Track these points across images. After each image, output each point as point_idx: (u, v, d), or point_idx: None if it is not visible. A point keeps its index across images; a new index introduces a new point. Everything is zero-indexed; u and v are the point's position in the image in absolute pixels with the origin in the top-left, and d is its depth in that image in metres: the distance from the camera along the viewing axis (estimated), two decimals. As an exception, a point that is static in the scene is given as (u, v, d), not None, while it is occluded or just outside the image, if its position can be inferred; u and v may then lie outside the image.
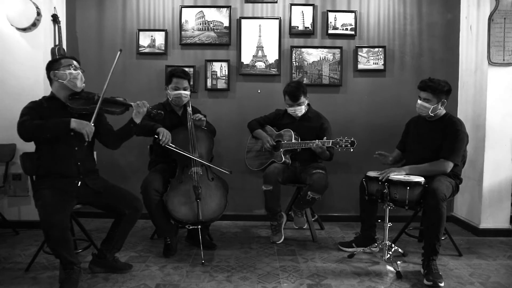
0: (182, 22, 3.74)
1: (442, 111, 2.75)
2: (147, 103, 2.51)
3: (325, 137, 2.98)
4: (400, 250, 2.74)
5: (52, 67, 2.39)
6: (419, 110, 2.75)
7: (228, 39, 3.75)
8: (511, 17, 3.24)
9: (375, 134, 3.76)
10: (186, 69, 3.34)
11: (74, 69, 2.39)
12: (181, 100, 2.94)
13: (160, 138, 2.69)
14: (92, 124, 2.30)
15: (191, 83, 3.20)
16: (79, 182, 2.38)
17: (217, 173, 2.95)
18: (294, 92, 3.11)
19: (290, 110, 3.19)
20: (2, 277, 2.43)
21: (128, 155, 3.75)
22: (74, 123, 2.25)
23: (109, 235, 2.49)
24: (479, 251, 3.00)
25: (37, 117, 2.27)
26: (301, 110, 3.17)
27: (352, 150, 2.88)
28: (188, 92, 2.97)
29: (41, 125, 2.21)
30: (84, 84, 2.45)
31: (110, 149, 2.62)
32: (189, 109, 2.94)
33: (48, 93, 2.46)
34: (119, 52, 2.51)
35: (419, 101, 2.73)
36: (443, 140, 2.69)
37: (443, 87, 2.66)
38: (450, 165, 2.64)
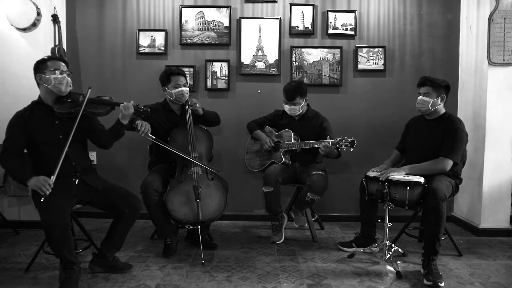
0: (182, 22, 3.74)
1: (441, 108, 2.76)
2: (133, 102, 2.48)
3: (328, 137, 2.99)
4: (400, 250, 2.74)
5: (38, 69, 2.34)
6: (419, 106, 2.76)
7: (228, 39, 3.75)
8: (511, 17, 3.24)
9: (375, 134, 3.76)
10: (186, 69, 3.35)
11: (60, 73, 2.32)
12: (183, 96, 2.94)
13: (139, 128, 2.59)
14: (52, 178, 2.18)
15: (188, 80, 3.18)
16: (77, 180, 2.38)
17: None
18: (291, 92, 3.11)
19: (286, 107, 3.19)
20: (2, 277, 2.43)
21: (128, 155, 3.76)
22: (29, 182, 2.21)
23: (109, 235, 2.49)
24: (479, 251, 3.00)
25: (23, 135, 2.30)
26: (295, 110, 3.17)
27: (352, 149, 2.88)
28: (187, 89, 2.97)
29: (9, 169, 2.36)
30: (70, 87, 2.40)
31: (103, 149, 2.62)
32: (188, 109, 2.94)
33: None
34: (89, 90, 2.41)
35: (419, 97, 2.75)
36: (443, 138, 2.69)
37: (441, 82, 2.72)
38: (449, 163, 2.64)
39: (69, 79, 2.38)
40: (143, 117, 2.59)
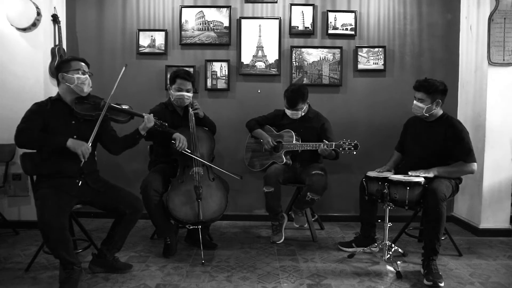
0: (182, 22, 3.74)
1: (438, 111, 2.74)
2: (152, 114, 2.60)
3: (328, 139, 2.99)
4: (400, 250, 2.74)
5: (61, 68, 2.39)
6: (414, 111, 2.75)
7: (228, 39, 3.75)
8: (511, 17, 3.24)
9: (375, 134, 3.76)
10: (186, 69, 3.34)
11: (83, 74, 2.39)
12: (183, 101, 2.95)
13: (177, 144, 2.71)
14: (90, 145, 2.30)
15: (195, 85, 3.20)
16: (80, 182, 2.38)
17: (220, 174, 2.95)
18: (292, 98, 3.11)
19: (288, 112, 3.20)
20: (2, 277, 2.43)
21: (128, 155, 3.72)
22: (70, 142, 2.25)
23: (109, 235, 2.49)
24: (479, 251, 3.00)
25: (40, 122, 2.29)
26: (297, 114, 3.18)
27: (355, 153, 2.88)
28: (190, 94, 2.96)
29: (38, 139, 2.26)
30: (91, 88, 2.46)
31: (112, 154, 2.65)
32: (191, 110, 2.94)
33: (48, 94, 2.47)
34: (124, 67, 2.51)
35: (414, 102, 2.74)
36: (445, 142, 2.68)
37: (437, 87, 2.64)
38: (475, 165, 2.65)
39: (90, 80, 2.44)
40: (160, 130, 2.64)
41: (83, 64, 2.43)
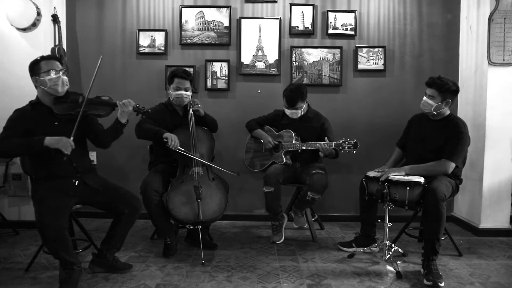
0: (182, 22, 3.74)
1: (446, 111, 2.73)
2: (132, 101, 2.49)
3: (328, 138, 2.99)
4: (400, 250, 2.74)
5: (33, 71, 2.30)
6: (422, 107, 2.73)
7: (228, 39, 3.75)
8: (511, 17, 3.24)
9: (375, 134, 3.76)
10: (186, 69, 3.35)
11: (55, 73, 2.28)
12: (182, 100, 2.95)
13: (169, 144, 2.71)
14: (72, 138, 2.23)
15: (193, 83, 3.20)
16: (76, 181, 2.37)
17: (219, 173, 2.95)
18: (292, 98, 3.10)
19: (288, 112, 3.20)
20: (2, 277, 2.43)
21: (128, 155, 3.75)
22: (48, 141, 2.20)
23: (109, 235, 2.49)
24: (479, 251, 3.00)
25: (22, 129, 2.24)
26: (297, 114, 3.17)
27: (355, 152, 2.88)
28: (189, 93, 2.96)
29: (17, 146, 2.20)
30: (67, 86, 2.36)
31: (102, 148, 2.62)
32: (190, 109, 2.94)
33: None
34: (100, 59, 2.41)
35: (424, 98, 2.71)
36: (445, 141, 2.68)
37: (449, 87, 2.63)
38: (452, 166, 2.63)
39: (64, 77, 2.33)
40: (143, 117, 2.61)
41: (54, 62, 2.31)
